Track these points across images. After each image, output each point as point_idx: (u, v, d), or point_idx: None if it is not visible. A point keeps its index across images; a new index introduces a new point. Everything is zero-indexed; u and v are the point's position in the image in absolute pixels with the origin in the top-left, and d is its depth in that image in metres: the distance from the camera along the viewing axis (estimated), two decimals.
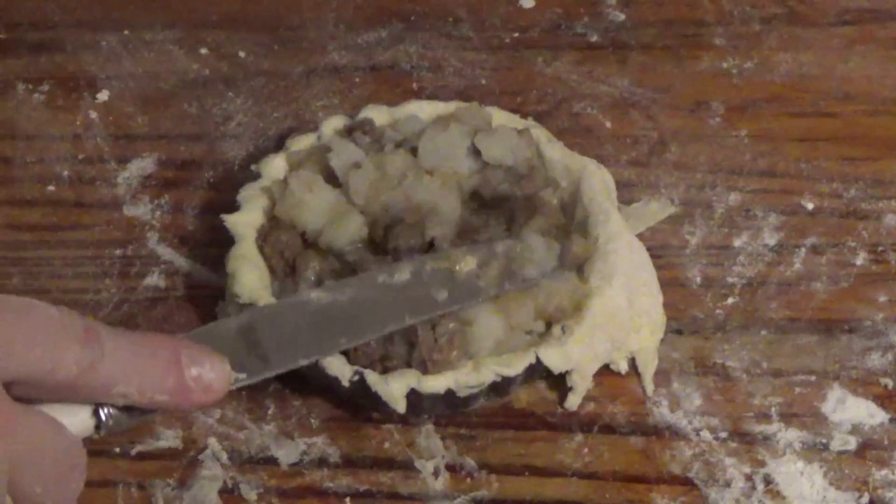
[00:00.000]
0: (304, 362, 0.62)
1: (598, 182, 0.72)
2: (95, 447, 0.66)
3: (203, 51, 0.86)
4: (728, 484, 0.65)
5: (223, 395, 0.56)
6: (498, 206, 0.70)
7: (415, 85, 0.83)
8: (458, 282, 0.66)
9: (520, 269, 0.67)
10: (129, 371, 0.53)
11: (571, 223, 0.71)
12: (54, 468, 0.52)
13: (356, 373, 0.64)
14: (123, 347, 0.53)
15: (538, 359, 0.65)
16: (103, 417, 0.54)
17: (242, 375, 0.59)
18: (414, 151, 0.71)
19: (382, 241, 0.68)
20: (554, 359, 0.66)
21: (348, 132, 0.73)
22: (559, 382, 0.68)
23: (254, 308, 0.65)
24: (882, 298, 0.72)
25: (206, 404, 0.56)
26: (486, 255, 0.67)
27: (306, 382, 0.68)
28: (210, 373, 0.55)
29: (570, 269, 0.68)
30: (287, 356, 0.61)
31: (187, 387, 0.55)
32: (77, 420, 0.54)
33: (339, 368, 0.65)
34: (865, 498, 0.65)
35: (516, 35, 0.86)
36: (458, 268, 0.66)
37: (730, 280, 0.73)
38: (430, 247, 0.68)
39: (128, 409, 0.54)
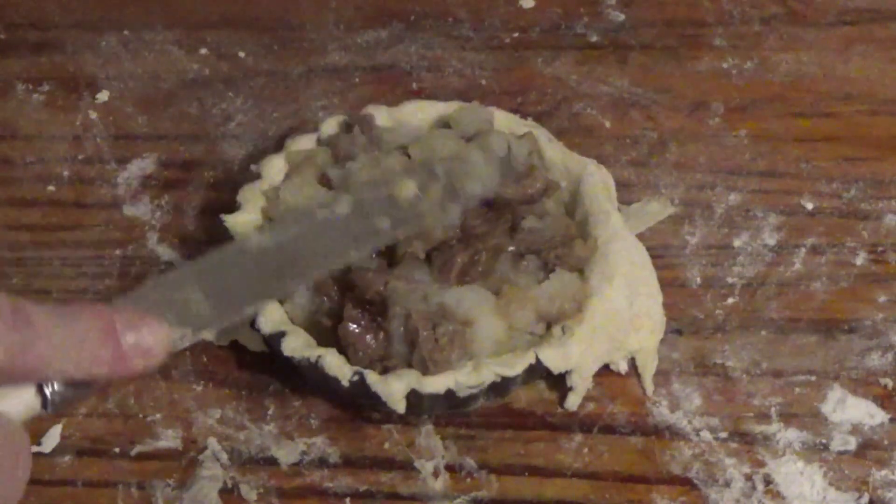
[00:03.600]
0: (250, 310, 0.61)
1: (598, 182, 0.72)
2: (95, 447, 0.67)
3: (203, 51, 0.86)
4: (728, 484, 0.65)
5: (164, 357, 0.54)
6: (501, 207, 0.70)
7: (415, 85, 0.83)
8: (399, 208, 0.65)
9: (462, 186, 0.66)
10: (63, 348, 0.52)
11: (572, 223, 0.71)
12: None
13: (356, 373, 0.64)
14: (55, 324, 0.51)
15: (538, 359, 0.65)
16: (48, 394, 0.53)
17: (187, 332, 0.57)
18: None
19: (388, 250, 0.68)
20: (554, 359, 0.66)
21: (347, 128, 0.73)
22: (559, 382, 0.68)
23: (191, 260, 0.62)
24: (882, 298, 0.72)
25: (149, 369, 0.54)
26: (426, 176, 0.66)
27: (306, 382, 0.68)
28: (148, 337, 0.54)
29: (571, 270, 0.68)
30: (231, 306, 0.59)
31: (125, 355, 0.53)
32: (21, 401, 0.52)
33: (339, 368, 0.65)
34: (865, 498, 0.65)
35: (516, 35, 0.86)
36: (399, 193, 0.65)
37: (730, 280, 0.73)
38: (434, 251, 0.68)
39: (72, 383, 0.53)
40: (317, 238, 0.63)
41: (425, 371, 0.64)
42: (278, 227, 0.64)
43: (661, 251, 0.74)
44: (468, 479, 0.66)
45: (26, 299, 0.51)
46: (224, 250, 0.63)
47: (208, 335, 0.65)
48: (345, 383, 0.65)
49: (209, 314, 0.58)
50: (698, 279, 0.73)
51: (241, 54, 0.86)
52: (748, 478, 0.66)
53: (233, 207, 0.71)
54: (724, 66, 0.84)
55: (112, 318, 0.53)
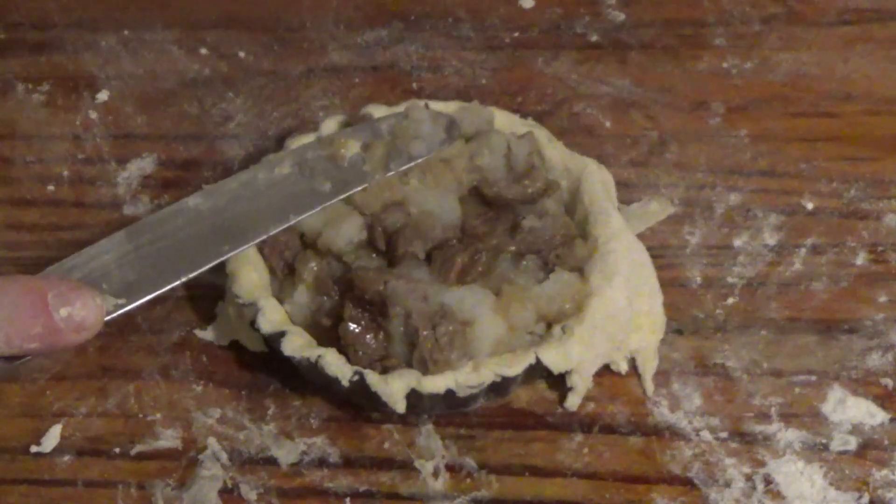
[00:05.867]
0: (185, 277, 0.60)
1: (598, 182, 0.72)
2: (95, 447, 0.67)
3: (203, 51, 0.86)
4: (728, 484, 0.65)
5: (99, 328, 0.54)
6: (501, 207, 0.70)
7: (415, 85, 0.83)
8: (342, 169, 0.64)
9: (406, 145, 0.66)
10: None
11: (572, 223, 0.71)
12: None
13: (356, 373, 0.64)
14: None
15: (538, 359, 0.65)
16: None
17: (122, 301, 0.56)
18: None
19: (388, 249, 0.68)
20: (554, 359, 0.66)
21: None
22: (559, 382, 0.68)
23: (131, 225, 0.62)
24: (882, 298, 0.72)
25: (83, 341, 0.54)
26: (369, 135, 0.65)
27: (306, 382, 0.68)
28: (81, 310, 0.53)
29: (571, 270, 0.68)
30: (168, 272, 0.59)
31: (57, 329, 0.53)
32: None
33: (339, 368, 0.65)
34: (865, 498, 0.65)
35: (516, 35, 0.86)
36: (341, 153, 0.64)
37: (730, 280, 0.73)
38: (434, 251, 0.68)
39: (4, 357, 0.53)
40: (256, 200, 0.63)
41: (425, 371, 0.65)
42: (215, 190, 0.62)
43: (661, 251, 0.74)
44: (468, 479, 0.66)
45: None
46: (160, 214, 0.62)
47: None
48: (345, 383, 0.65)
49: (145, 281, 0.58)
50: (698, 279, 0.73)
51: (241, 54, 0.86)
52: (748, 478, 0.66)
53: None
54: (724, 65, 0.84)
55: (44, 291, 0.53)
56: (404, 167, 0.66)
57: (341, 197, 0.64)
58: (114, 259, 0.59)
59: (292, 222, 0.63)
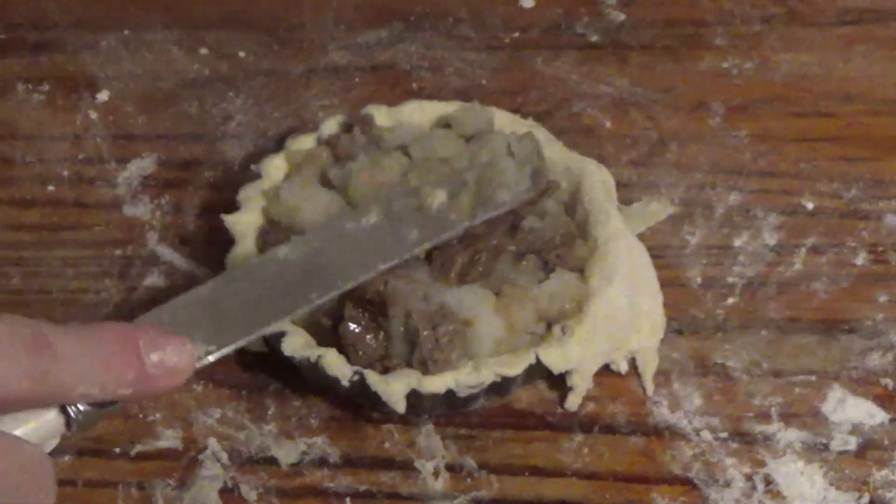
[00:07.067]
0: (274, 326, 0.61)
1: (598, 182, 0.72)
2: (95, 447, 0.67)
3: (203, 51, 0.86)
4: (728, 484, 0.65)
5: (190, 375, 0.55)
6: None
7: (415, 85, 0.83)
8: (428, 217, 0.65)
9: (492, 194, 0.67)
10: (86, 371, 0.51)
11: (572, 223, 0.71)
12: (13, 491, 0.48)
13: (356, 373, 0.64)
14: (78, 347, 0.51)
15: (538, 359, 0.65)
16: (72, 414, 0.53)
17: (212, 348, 0.57)
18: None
19: None
20: (554, 359, 0.65)
21: (347, 128, 0.73)
22: (559, 382, 0.68)
23: (218, 275, 0.63)
24: (882, 298, 0.72)
25: (174, 387, 0.54)
26: (456, 185, 0.66)
27: (306, 382, 0.68)
28: (172, 356, 0.53)
29: (571, 270, 0.68)
30: (256, 321, 0.60)
31: (150, 375, 0.53)
32: (44, 422, 0.52)
33: (339, 368, 0.65)
34: (865, 498, 0.65)
35: (516, 35, 0.86)
36: (428, 202, 0.66)
37: (730, 280, 0.73)
38: (434, 251, 0.68)
39: (96, 404, 0.53)
40: (344, 249, 0.64)
41: (425, 371, 0.64)
42: (304, 239, 0.64)
43: (661, 251, 0.74)
44: (468, 479, 0.66)
45: (46, 321, 0.50)
46: (249, 264, 0.64)
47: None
48: (345, 383, 0.65)
49: (235, 328, 0.59)
50: (698, 279, 0.73)
51: (241, 54, 0.86)
52: (748, 478, 0.66)
53: (233, 207, 0.71)
54: (725, 65, 0.84)
55: (136, 338, 0.53)
56: (489, 215, 0.67)
57: (428, 246, 0.65)
58: (204, 308, 0.59)
59: (381, 270, 0.64)
